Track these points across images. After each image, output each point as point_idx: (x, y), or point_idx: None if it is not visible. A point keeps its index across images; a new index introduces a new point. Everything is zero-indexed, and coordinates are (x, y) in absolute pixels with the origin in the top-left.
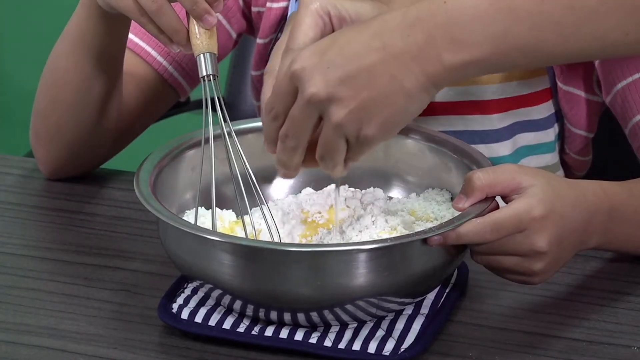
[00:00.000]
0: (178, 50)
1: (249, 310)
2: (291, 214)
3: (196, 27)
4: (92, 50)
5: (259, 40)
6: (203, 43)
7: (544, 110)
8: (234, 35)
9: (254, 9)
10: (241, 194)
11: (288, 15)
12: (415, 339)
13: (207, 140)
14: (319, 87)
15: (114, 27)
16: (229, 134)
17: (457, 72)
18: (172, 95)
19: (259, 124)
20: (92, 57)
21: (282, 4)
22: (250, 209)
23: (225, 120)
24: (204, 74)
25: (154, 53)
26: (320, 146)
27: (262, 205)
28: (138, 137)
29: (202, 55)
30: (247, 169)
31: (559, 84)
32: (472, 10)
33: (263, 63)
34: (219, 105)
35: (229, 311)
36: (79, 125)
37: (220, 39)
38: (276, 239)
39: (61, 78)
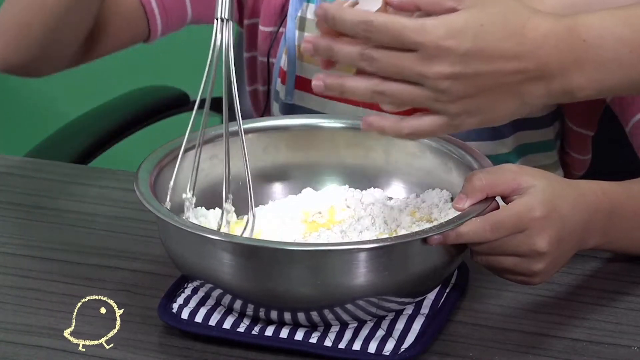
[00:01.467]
0: None
1: (249, 310)
2: (291, 214)
3: None
4: None
5: (261, 27)
6: None
7: (544, 108)
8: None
9: None
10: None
11: (289, 10)
12: (415, 339)
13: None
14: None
15: None
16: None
17: (575, 99)
18: (143, 29)
19: (259, 124)
20: None
21: None
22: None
23: (229, 71)
24: (218, 16)
25: None
26: (409, 98)
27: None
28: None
29: None
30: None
31: None
32: (612, 54)
33: (265, 51)
34: (227, 54)
35: (229, 311)
36: (52, 25)
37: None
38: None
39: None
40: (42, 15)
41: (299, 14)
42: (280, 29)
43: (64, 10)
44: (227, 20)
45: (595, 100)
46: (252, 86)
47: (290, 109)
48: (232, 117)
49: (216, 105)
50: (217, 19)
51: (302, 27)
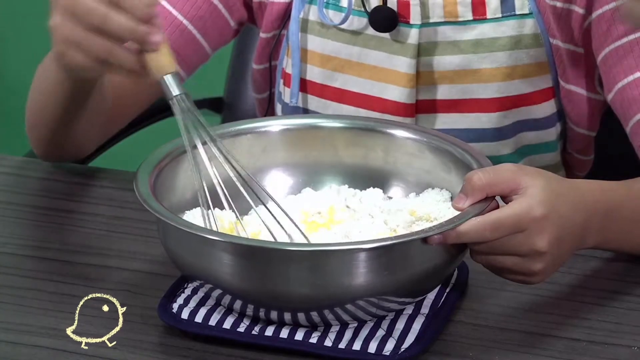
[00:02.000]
0: (147, 80)
1: (249, 310)
2: (291, 214)
3: (146, 53)
4: (70, 98)
5: (261, 34)
6: (159, 64)
7: (546, 109)
8: (234, 25)
9: None
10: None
11: (292, 12)
12: (415, 339)
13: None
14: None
15: (89, 83)
16: (214, 141)
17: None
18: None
19: (259, 124)
20: (72, 102)
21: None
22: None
23: (205, 130)
24: (170, 97)
25: None
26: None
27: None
28: (133, 133)
29: (163, 79)
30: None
31: (561, 83)
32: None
33: (265, 57)
34: (195, 120)
35: (229, 311)
36: (64, 134)
37: (218, 28)
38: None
39: (43, 106)
40: (49, 119)
41: (301, 16)
42: (282, 32)
43: (66, 119)
44: (181, 95)
45: (597, 102)
46: (259, 94)
47: (293, 111)
48: (231, 118)
49: (215, 104)
50: (169, 100)
51: (304, 29)
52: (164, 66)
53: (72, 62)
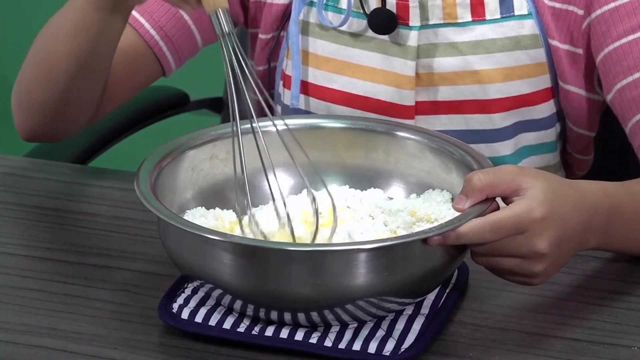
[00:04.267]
0: (190, 10)
1: (249, 310)
2: (291, 214)
3: None
4: (92, 42)
5: (260, 35)
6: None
7: (546, 109)
8: None
9: None
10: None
11: (292, 14)
12: (415, 339)
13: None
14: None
15: (117, 19)
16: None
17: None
18: (157, 70)
19: (259, 124)
20: (91, 47)
21: (284, 1)
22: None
23: (244, 72)
24: (219, 32)
25: (147, 25)
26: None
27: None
28: (133, 134)
29: (215, 13)
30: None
31: (560, 83)
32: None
33: (264, 59)
34: (239, 61)
35: (229, 311)
36: (64, 100)
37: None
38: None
39: (54, 60)
40: (51, 90)
41: (300, 18)
42: (281, 33)
43: (71, 82)
44: (229, 34)
45: (596, 102)
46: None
47: (292, 113)
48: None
49: (215, 104)
50: (219, 36)
51: (304, 31)
52: (218, 1)
53: None
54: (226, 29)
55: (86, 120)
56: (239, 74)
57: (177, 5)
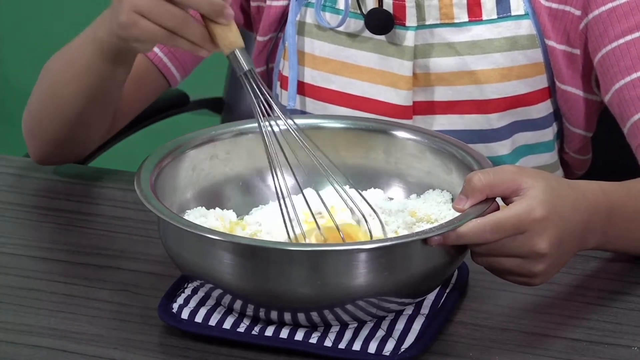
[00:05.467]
0: (207, 54)
1: (249, 310)
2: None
3: (215, 27)
4: (99, 85)
5: (258, 38)
6: (229, 40)
7: (543, 109)
8: None
9: (252, 4)
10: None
11: (289, 15)
12: (415, 339)
13: (265, 136)
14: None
15: (124, 68)
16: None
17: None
18: (162, 84)
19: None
20: (98, 90)
21: (282, 3)
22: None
23: (272, 108)
24: (241, 72)
25: None
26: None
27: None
28: (133, 133)
29: (233, 53)
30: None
31: (557, 84)
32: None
33: (263, 60)
34: (263, 99)
35: (229, 311)
36: (75, 130)
37: None
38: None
39: (61, 98)
40: (60, 123)
41: (297, 19)
42: (279, 34)
43: (80, 117)
44: (250, 70)
45: (593, 102)
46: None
47: (290, 113)
48: (231, 118)
49: (215, 104)
50: (241, 75)
51: (301, 31)
52: (234, 41)
53: (139, 33)
54: (246, 67)
55: (98, 142)
56: (264, 106)
57: (194, 52)
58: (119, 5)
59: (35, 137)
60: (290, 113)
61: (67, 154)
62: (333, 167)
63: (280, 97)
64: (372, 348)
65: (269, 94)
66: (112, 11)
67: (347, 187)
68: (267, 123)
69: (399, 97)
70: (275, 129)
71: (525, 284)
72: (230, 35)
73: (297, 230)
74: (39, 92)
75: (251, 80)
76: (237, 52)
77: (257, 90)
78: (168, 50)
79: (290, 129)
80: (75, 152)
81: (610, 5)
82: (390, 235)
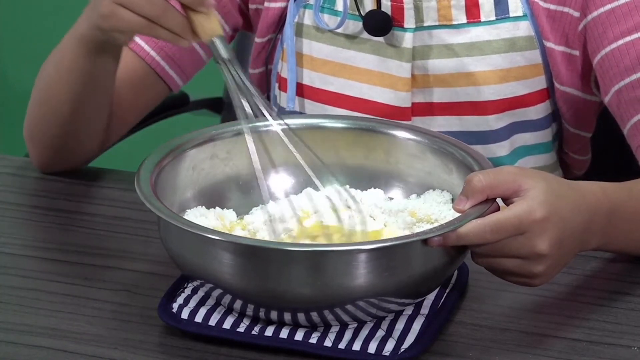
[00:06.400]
0: (188, 44)
1: (249, 310)
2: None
3: (195, 15)
4: (87, 83)
5: (256, 39)
6: (209, 28)
7: (541, 110)
8: (229, 31)
9: (251, 6)
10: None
11: (287, 17)
12: (415, 339)
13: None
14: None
15: (109, 61)
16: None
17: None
18: (163, 89)
19: (259, 124)
20: (87, 89)
21: (281, 4)
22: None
23: (255, 93)
24: (219, 60)
25: (146, 47)
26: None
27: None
28: (133, 133)
29: (213, 41)
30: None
31: (556, 85)
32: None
33: (261, 62)
34: (243, 85)
35: (229, 311)
36: (71, 133)
37: None
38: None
39: (54, 101)
40: (56, 127)
41: (296, 20)
42: (278, 36)
43: (74, 119)
44: (229, 60)
45: (593, 103)
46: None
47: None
48: (231, 118)
49: (215, 104)
50: (219, 63)
51: (299, 33)
52: (213, 29)
53: (120, 23)
54: (224, 55)
55: (98, 147)
56: (245, 94)
57: (174, 42)
58: None
59: (36, 143)
60: (289, 115)
61: (68, 159)
62: (315, 160)
63: (279, 98)
64: (372, 348)
65: (247, 82)
66: (93, 4)
67: (332, 183)
68: (247, 109)
69: (398, 98)
70: (259, 120)
71: (526, 285)
72: (210, 24)
73: (280, 232)
74: (34, 96)
75: (229, 68)
76: (217, 40)
77: (234, 79)
78: (165, 54)
79: (269, 116)
80: (75, 157)
81: (609, 6)
82: (372, 228)
